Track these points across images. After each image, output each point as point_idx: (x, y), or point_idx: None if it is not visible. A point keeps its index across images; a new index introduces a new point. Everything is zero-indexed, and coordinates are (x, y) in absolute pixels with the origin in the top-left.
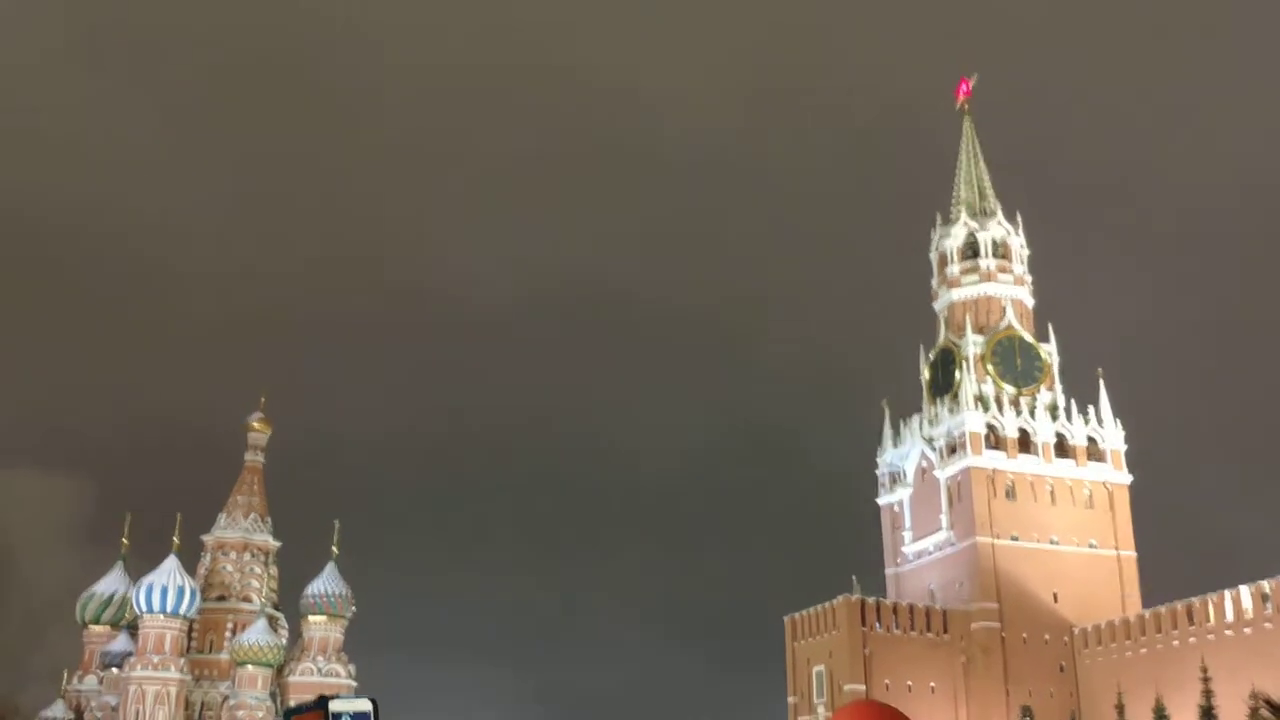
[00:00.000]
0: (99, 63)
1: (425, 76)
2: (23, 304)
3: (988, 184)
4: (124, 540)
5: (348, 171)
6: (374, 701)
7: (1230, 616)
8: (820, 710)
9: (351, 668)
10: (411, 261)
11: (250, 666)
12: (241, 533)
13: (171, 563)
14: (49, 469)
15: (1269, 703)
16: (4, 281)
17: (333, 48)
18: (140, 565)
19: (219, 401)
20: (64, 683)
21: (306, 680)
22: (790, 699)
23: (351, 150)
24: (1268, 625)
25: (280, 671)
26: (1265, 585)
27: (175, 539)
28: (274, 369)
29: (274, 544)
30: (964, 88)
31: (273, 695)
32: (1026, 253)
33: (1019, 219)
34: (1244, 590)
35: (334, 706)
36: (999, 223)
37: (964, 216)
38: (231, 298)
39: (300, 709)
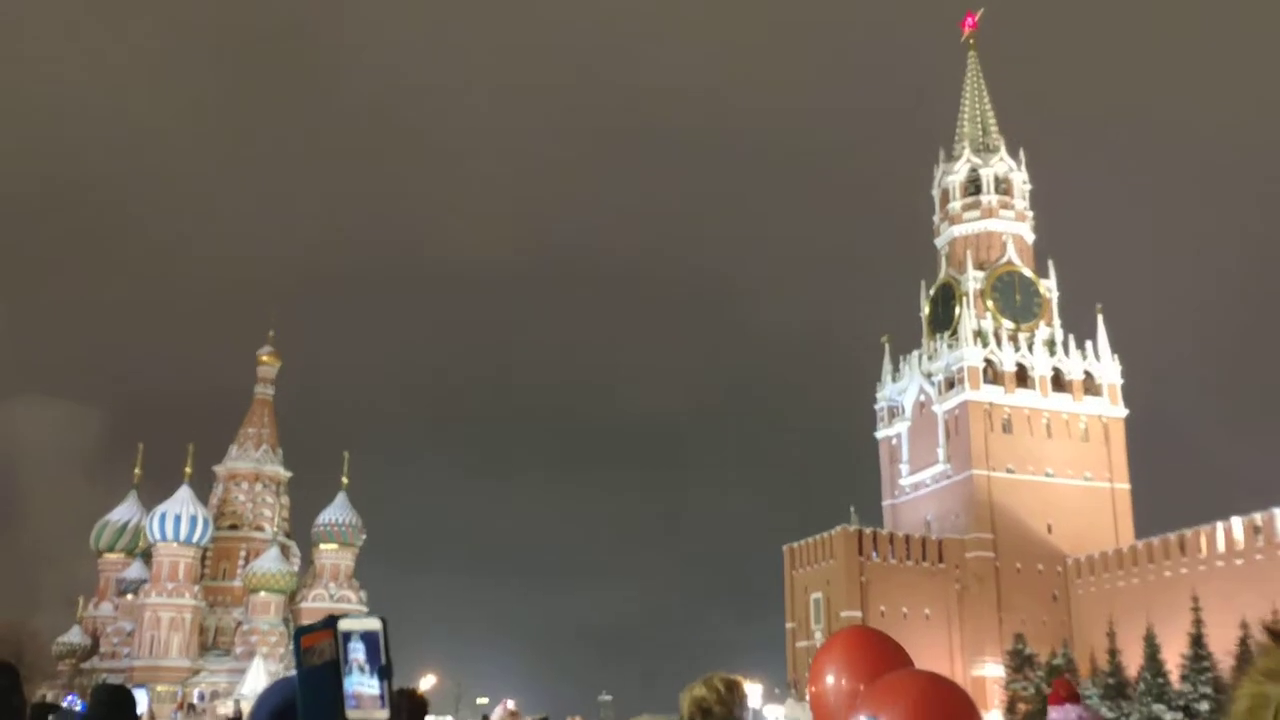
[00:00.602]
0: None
1: (426, 37)
2: (40, 239)
3: (991, 119)
4: (136, 470)
5: (354, 132)
6: (384, 620)
7: (1222, 547)
8: (817, 635)
9: (363, 594)
10: (415, 216)
11: (263, 593)
12: (253, 463)
13: (184, 492)
14: (60, 398)
15: (1270, 629)
16: (19, 214)
17: (338, 9)
18: (153, 495)
19: (229, 337)
20: (80, 609)
21: (319, 606)
22: (788, 625)
23: (354, 110)
24: (1259, 556)
25: (293, 598)
26: (1257, 517)
27: (187, 469)
28: (283, 308)
29: (285, 474)
30: (969, 21)
31: (285, 621)
32: (1029, 188)
33: (1022, 154)
34: (1236, 522)
35: (343, 625)
36: (1002, 158)
37: (967, 152)
38: (242, 244)
39: (310, 629)
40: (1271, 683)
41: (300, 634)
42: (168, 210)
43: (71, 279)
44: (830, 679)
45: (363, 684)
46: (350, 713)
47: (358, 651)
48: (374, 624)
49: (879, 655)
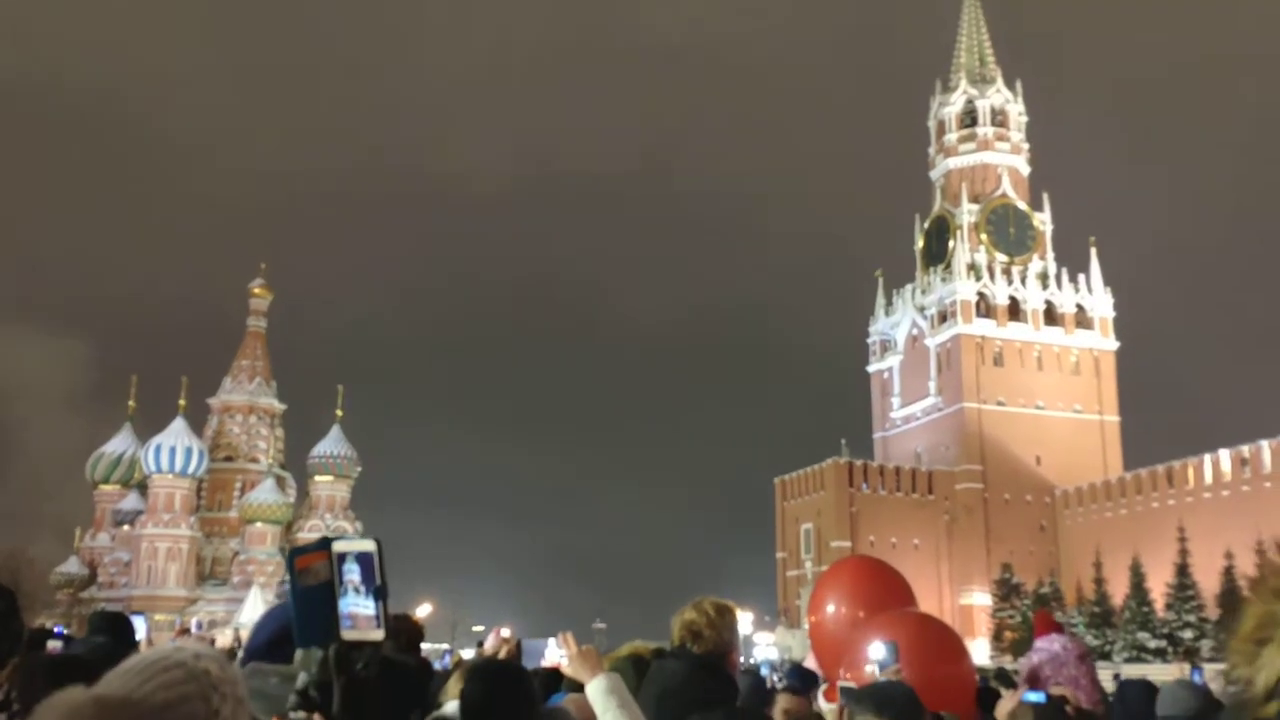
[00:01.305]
0: None
1: None
2: (32, 170)
3: (988, 50)
4: (131, 403)
5: (352, 53)
6: (378, 541)
7: (1209, 479)
8: (807, 565)
9: (359, 525)
10: (413, 139)
11: (259, 524)
12: (247, 396)
13: (179, 424)
14: (53, 329)
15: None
16: (15, 148)
17: None
18: (147, 428)
19: (221, 269)
20: (77, 540)
21: (315, 537)
22: (779, 555)
23: (354, 31)
24: (1245, 488)
25: (289, 529)
26: (1244, 450)
27: (181, 401)
28: (277, 237)
29: (279, 407)
30: None
31: (281, 550)
32: (1025, 120)
33: (1019, 86)
34: (1223, 454)
35: (338, 547)
36: (998, 89)
37: (964, 84)
38: (235, 170)
39: (304, 550)
40: None
41: (295, 555)
42: (157, 136)
43: (62, 208)
44: (831, 608)
45: (358, 604)
46: (345, 633)
47: (352, 573)
48: (369, 545)
49: (881, 585)
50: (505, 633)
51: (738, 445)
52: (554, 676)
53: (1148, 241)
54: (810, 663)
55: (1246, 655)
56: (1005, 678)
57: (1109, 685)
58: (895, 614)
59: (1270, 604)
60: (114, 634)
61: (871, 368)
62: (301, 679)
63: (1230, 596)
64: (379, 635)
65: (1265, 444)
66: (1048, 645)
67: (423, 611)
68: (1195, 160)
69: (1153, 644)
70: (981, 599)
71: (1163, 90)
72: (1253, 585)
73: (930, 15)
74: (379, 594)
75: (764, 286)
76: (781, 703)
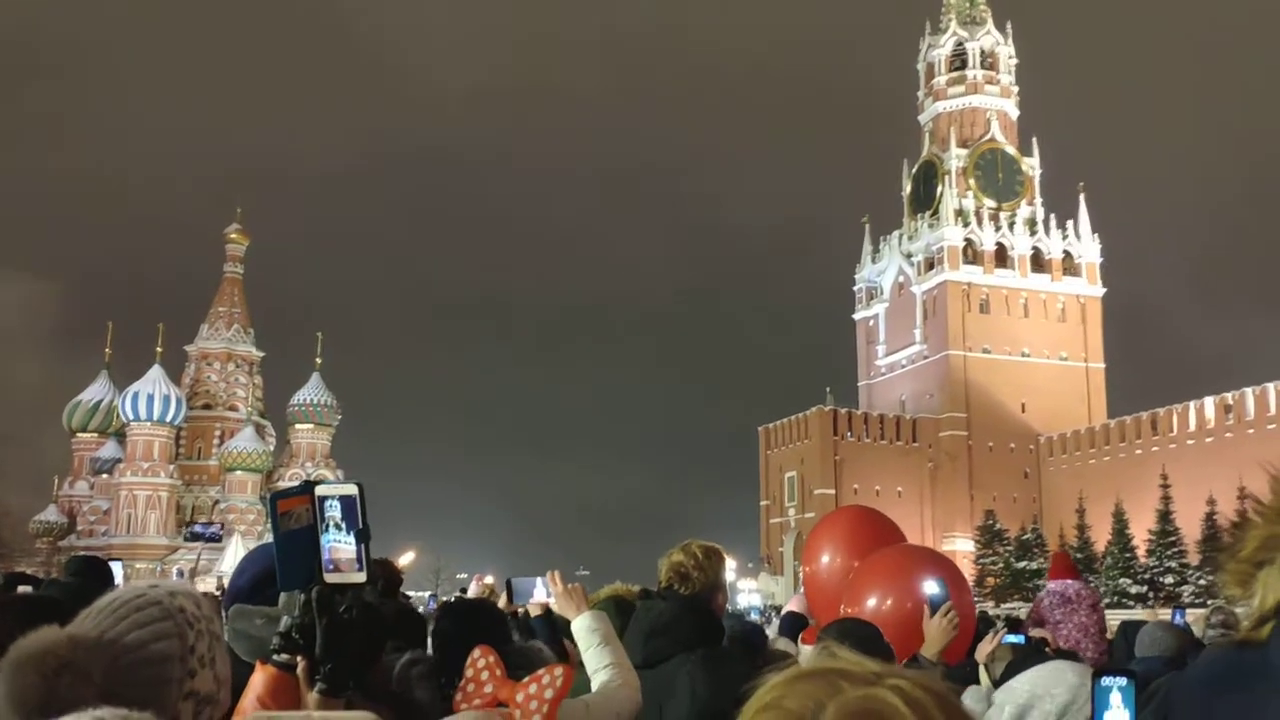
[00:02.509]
0: None
1: None
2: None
3: None
4: (107, 350)
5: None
6: (360, 486)
7: (1193, 426)
8: (790, 512)
9: (340, 474)
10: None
11: (239, 472)
12: (224, 343)
13: (156, 372)
14: (26, 272)
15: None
16: None
17: None
18: (124, 375)
19: (197, 215)
20: (55, 488)
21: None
22: (763, 502)
23: None
24: (1228, 435)
25: (269, 477)
26: (1229, 397)
27: (158, 348)
28: (250, 186)
29: (257, 354)
30: None
31: (262, 499)
32: (1015, 62)
33: (1009, 27)
34: (1208, 401)
35: (320, 491)
36: (989, 31)
37: (953, 25)
38: (205, 108)
39: (287, 493)
40: None
41: (276, 499)
42: (129, 82)
43: (29, 151)
44: (826, 557)
45: (339, 542)
46: (328, 575)
47: (335, 516)
48: (350, 489)
49: (875, 533)
50: (488, 579)
51: (724, 394)
52: (544, 617)
53: (1138, 188)
54: (795, 606)
55: (1241, 576)
56: (986, 620)
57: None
58: (900, 548)
59: (1274, 526)
60: (90, 577)
61: (858, 315)
62: (284, 621)
63: (1212, 542)
64: (361, 578)
65: (1249, 391)
66: (1061, 589)
67: (406, 559)
68: (1187, 104)
69: (1134, 589)
70: (964, 545)
71: (1158, 29)
72: (1260, 508)
73: None
74: (361, 537)
75: (752, 234)
76: (780, 645)
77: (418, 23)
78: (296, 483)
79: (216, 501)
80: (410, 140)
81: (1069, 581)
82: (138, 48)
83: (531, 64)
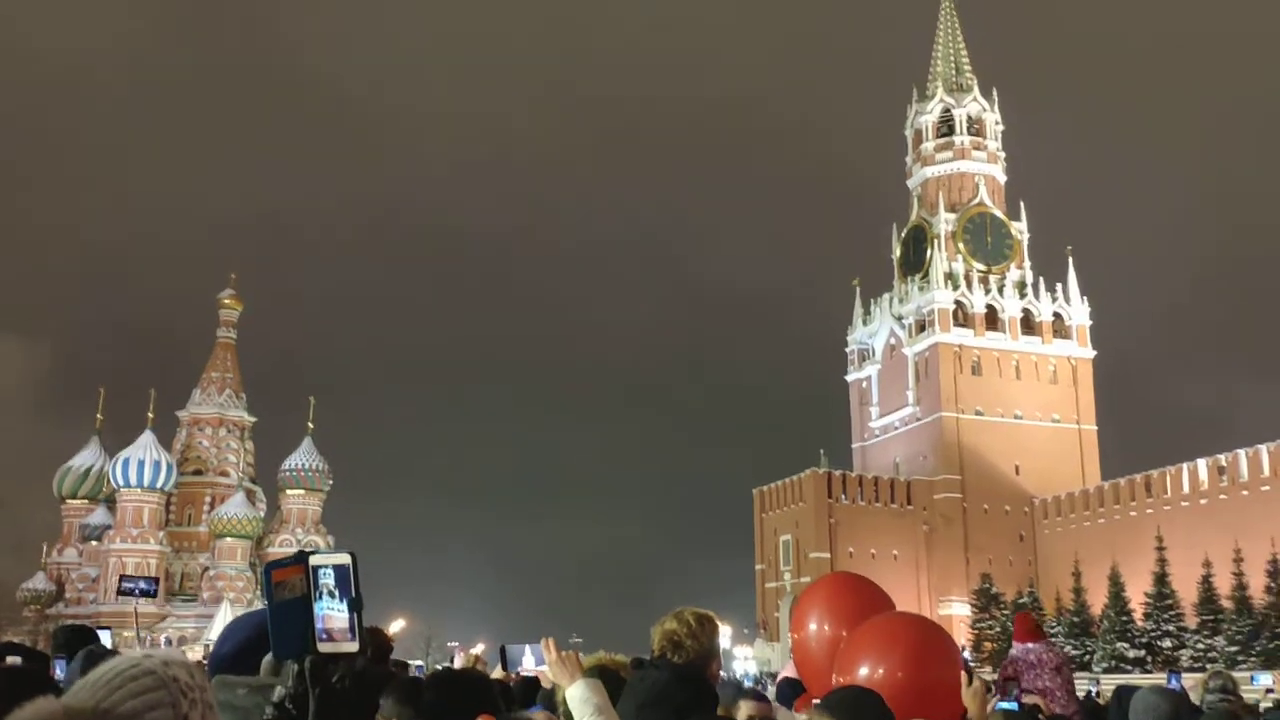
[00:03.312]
0: None
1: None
2: None
3: (965, 58)
4: (98, 415)
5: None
6: (353, 555)
7: (1187, 488)
8: (786, 576)
9: (331, 539)
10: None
11: (229, 538)
12: (216, 408)
13: (147, 437)
14: (16, 337)
15: None
16: None
17: None
18: (115, 441)
19: (190, 280)
20: (44, 555)
21: (286, 551)
22: (758, 566)
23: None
24: (1222, 496)
25: (259, 543)
26: (1222, 458)
27: (150, 414)
28: (245, 250)
29: (249, 419)
30: None
31: (252, 566)
32: (1001, 128)
33: (995, 94)
34: (1200, 463)
35: (314, 560)
36: (975, 98)
37: (940, 92)
38: (200, 180)
39: (281, 564)
40: None
41: (271, 568)
42: (122, 147)
43: (22, 212)
44: (814, 625)
45: (333, 616)
46: (321, 645)
47: (328, 584)
48: (344, 558)
49: (863, 601)
50: (474, 650)
51: (718, 455)
52: (534, 684)
53: (1125, 250)
54: (790, 672)
55: None
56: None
57: (1097, 696)
58: (893, 615)
59: None
60: (80, 646)
61: (850, 377)
62: (278, 691)
63: (1209, 604)
64: (354, 647)
65: (1242, 452)
66: (1023, 654)
67: (396, 627)
68: (1173, 168)
69: (1132, 653)
70: (961, 609)
71: (1141, 95)
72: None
73: (908, 21)
74: (354, 606)
75: (743, 297)
76: (745, 709)
77: (412, 102)
78: (288, 550)
79: (206, 568)
80: (405, 209)
81: (1030, 645)
82: (132, 113)
83: (526, 139)
